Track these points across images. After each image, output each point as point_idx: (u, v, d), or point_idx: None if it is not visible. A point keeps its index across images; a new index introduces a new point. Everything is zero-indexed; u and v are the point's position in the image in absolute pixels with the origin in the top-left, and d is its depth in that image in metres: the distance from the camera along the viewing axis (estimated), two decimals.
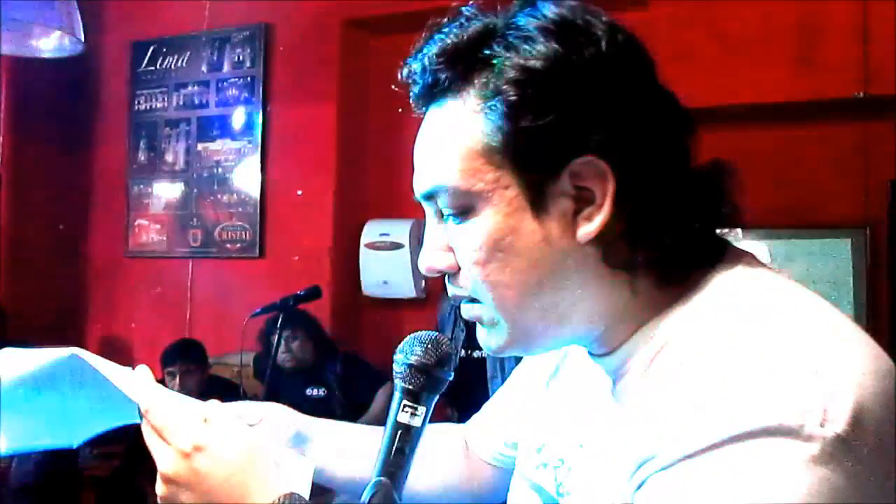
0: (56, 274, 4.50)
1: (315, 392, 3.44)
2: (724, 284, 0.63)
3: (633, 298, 0.64)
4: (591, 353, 0.70)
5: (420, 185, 0.68)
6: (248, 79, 4.16)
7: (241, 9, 4.17)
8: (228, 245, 4.20)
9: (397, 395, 0.70)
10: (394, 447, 0.68)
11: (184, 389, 3.43)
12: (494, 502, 0.96)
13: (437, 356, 0.70)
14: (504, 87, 0.60)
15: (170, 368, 3.40)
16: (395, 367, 0.71)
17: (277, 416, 0.89)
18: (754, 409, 0.52)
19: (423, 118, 0.71)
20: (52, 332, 4.29)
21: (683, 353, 0.60)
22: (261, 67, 4.12)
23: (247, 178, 4.18)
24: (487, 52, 0.61)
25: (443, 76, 0.64)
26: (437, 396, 0.71)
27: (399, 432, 0.68)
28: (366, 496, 0.67)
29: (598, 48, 0.60)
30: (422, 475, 0.94)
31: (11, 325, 3.96)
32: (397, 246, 3.91)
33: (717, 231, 0.67)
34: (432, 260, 0.68)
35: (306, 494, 0.69)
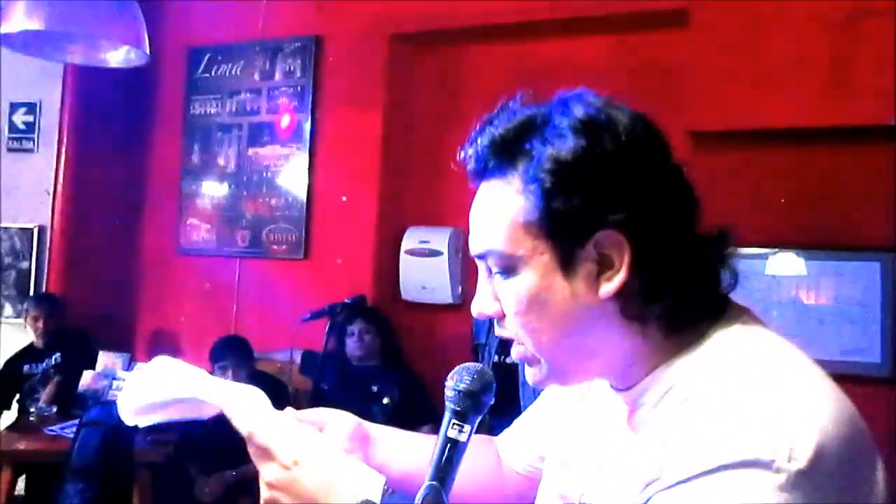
0: (110, 267, 4.73)
1: (374, 389, 3.51)
2: (722, 339, 0.77)
3: (645, 345, 0.78)
4: (612, 387, 0.85)
5: (474, 247, 0.83)
6: (298, 88, 4.34)
7: (293, 20, 4.36)
8: (275, 246, 4.39)
9: (448, 414, 0.84)
10: (444, 458, 0.83)
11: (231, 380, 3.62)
12: None
13: (481, 384, 0.84)
14: (540, 175, 0.75)
15: (221, 363, 3.59)
16: (447, 392, 0.86)
17: (341, 421, 1.04)
18: (736, 445, 0.65)
19: (474, 184, 0.85)
20: (105, 322, 4.54)
21: (685, 395, 0.74)
22: (311, 77, 4.30)
23: (294, 182, 4.36)
24: (527, 145, 0.77)
25: (491, 162, 0.80)
26: (481, 416, 0.86)
27: (448, 445, 0.83)
28: (419, 497, 0.82)
29: (618, 141, 0.75)
30: (458, 480, 1.10)
31: (68, 313, 4.21)
32: (436, 253, 4.06)
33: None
34: (482, 307, 0.83)
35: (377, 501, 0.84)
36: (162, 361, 1.02)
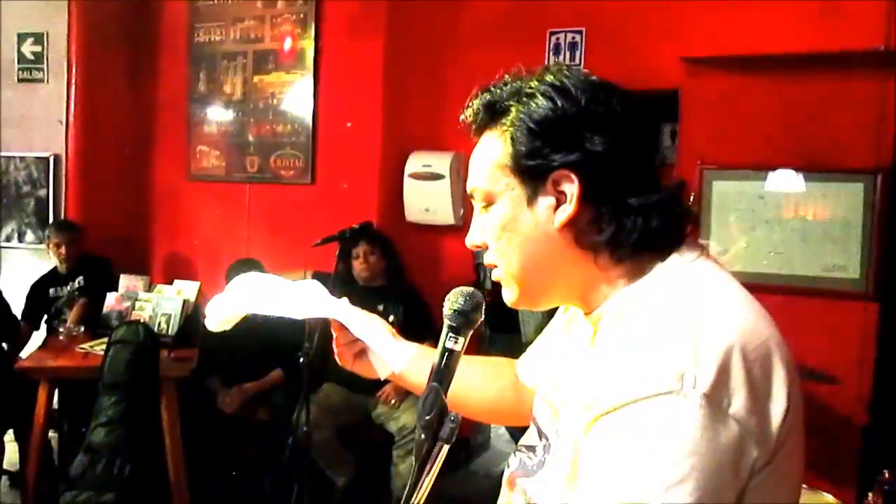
0: (125, 194, 4.90)
1: (380, 308, 3.68)
2: (662, 271, 0.93)
3: (598, 272, 0.96)
4: (583, 312, 1.02)
5: (468, 187, 1.02)
6: (302, 14, 4.41)
7: None
8: (283, 172, 4.54)
9: (445, 329, 1.02)
10: (442, 364, 1.01)
11: None
12: None
13: (472, 304, 1.02)
14: (514, 126, 0.94)
15: None
16: (445, 311, 1.03)
17: (378, 323, 1.29)
18: (648, 377, 0.80)
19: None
20: (123, 246, 4.74)
21: (624, 323, 0.91)
22: (313, 3, 4.35)
23: (299, 108, 4.47)
24: (509, 104, 0.96)
25: (483, 118, 0.99)
26: (472, 331, 1.04)
27: (446, 354, 1.01)
28: (423, 396, 1.01)
29: (577, 104, 0.92)
30: (482, 395, 1.33)
31: (87, 238, 4.39)
32: (439, 176, 4.21)
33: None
34: (472, 238, 1.03)
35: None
36: (246, 278, 1.28)
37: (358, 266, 3.76)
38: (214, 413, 3.79)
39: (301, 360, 2.70)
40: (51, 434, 3.82)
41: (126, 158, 4.89)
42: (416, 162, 4.27)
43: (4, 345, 4.04)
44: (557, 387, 1.07)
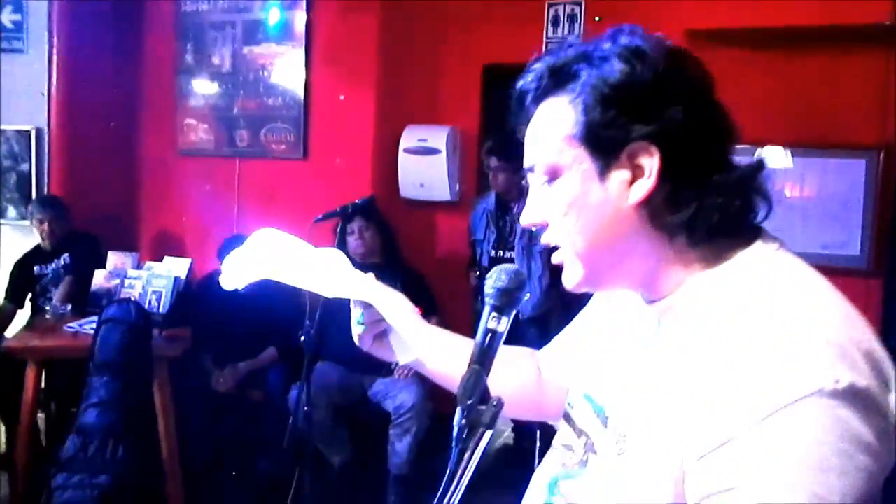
0: (111, 169, 4.76)
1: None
2: (748, 258, 0.85)
3: (672, 255, 0.87)
4: (644, 300, 0.94)
5: (526, 161, 0.93)
6: None
7: None
8: (273, 146, 4.44)
9: (487, 308, 0.96)
10: (484, 345, 0.95)
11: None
12: (556, 419, 1.13)
13: (517, 283, 0.95)
14: (585, 93, 0.85)
15: None
16: (486, 289, 0.97)
17: (405, 303, 1.22)
18: (788, 382, 0.72)
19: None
20: (110, 223, 4.63)
21: (719, 324, 0.80)
22: None
23: (291, 81, 4.36)
24: (577, 67, 0.86)
25: (545, 82, 0.89)
26: (515, 310, 0.98)
27: (489, 335, 0.95)
28: (464, 378, 0.95)
29: (655, 69, 0.84)
30: (498, 385, 1.23)
31: (72, 214, 4.27)
32: (434, 151, 4.13)
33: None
34: (530, 216, 0.94)
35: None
36: (267, 234, 1.20)
37: (353, 243, 3.69)
38: (208, 392, 3.72)
39: (302, 338, 2.63)
40: (38, 415, 3.74)
41: (111, 132, 4.75)
42: (412, 136, 4.19)
43: None
44: (606, 383, 0.98)
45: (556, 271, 0.98)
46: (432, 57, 4.27)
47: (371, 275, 1.21)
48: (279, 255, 1.19)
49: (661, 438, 0.81)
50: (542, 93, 0.90)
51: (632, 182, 0.85)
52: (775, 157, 3.71)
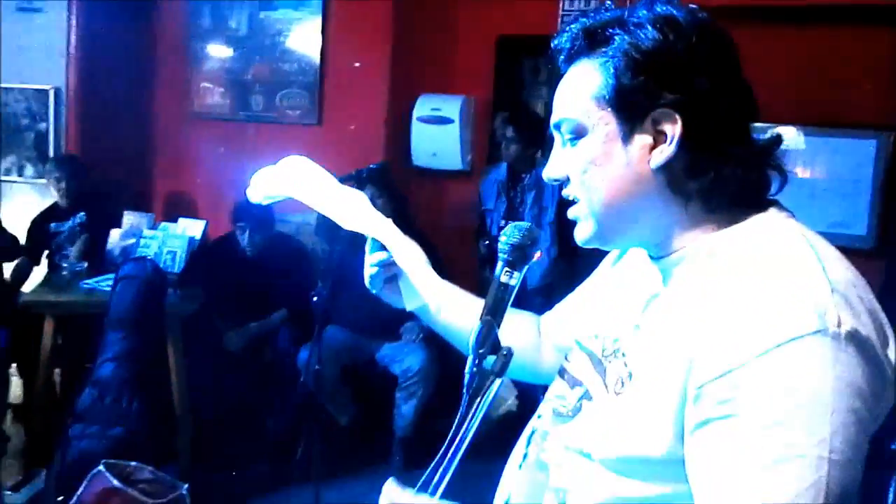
0: (126, 129, 4.81)
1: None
2: (759, 222, 0.89)
3: (686, 218, 0.91)
4: (651, 256, 0.98)
5: (554, 117, 0.96)
6: None
7: None
8: (288, 111, 4.47)
9: (501, 263, 1.01)
10: (497, 297, 1.00)
11: (252, 244, 3.83)
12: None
13: (530, 239, 1.00)
14: (617, 57, 0.88)
15: (241, 223, 3.79)
16: (500, 245, 1.02)
17: (419, 252, 1.24)
18: (792, 320, 0.76)
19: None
20: (123, 183, 4.69)
21: (728, 267, 0.84)
22: None
23: (306, 47, 4.39)
24: (611, 31, 0.89)
25: (579, 43, 0.92)
26: (527, 265, 1.03)
27: (501, 288, 1.00)
28: (477, 328, 1.00)
29: (686, 39, 0.87)
30: None
31: (88, 174, 4.34)
32: (447, 120, 4.16)
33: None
34: (552, 171, 0.97)
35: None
36: (299, 160, 1.25)
37: None
38: (219, 351, 3.80)
39: (315, 298, 2.70)
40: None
41: (128, 93, 4.79)
42: (425, 105, 4.22)
43: (7, 275, 4.02)
44: (608, 336, 1.01)
45: (565, 243, 1.02)
46: (448, 27, 4.29)
47: (390, 220, 1.23)
48: (307, 180, 1.22)
49: (663, 375, 0.86)
50: (576, 53, 0.93)
51: (653, 147, 0.89)
52: (787, 137, 3.73)
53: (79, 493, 2.86)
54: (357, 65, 4.31)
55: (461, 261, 4.11)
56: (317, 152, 4.38)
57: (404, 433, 3.66)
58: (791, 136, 3.72)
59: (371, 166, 2.73)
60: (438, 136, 4.19)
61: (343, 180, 2.84)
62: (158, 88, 4.89)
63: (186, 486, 2.95)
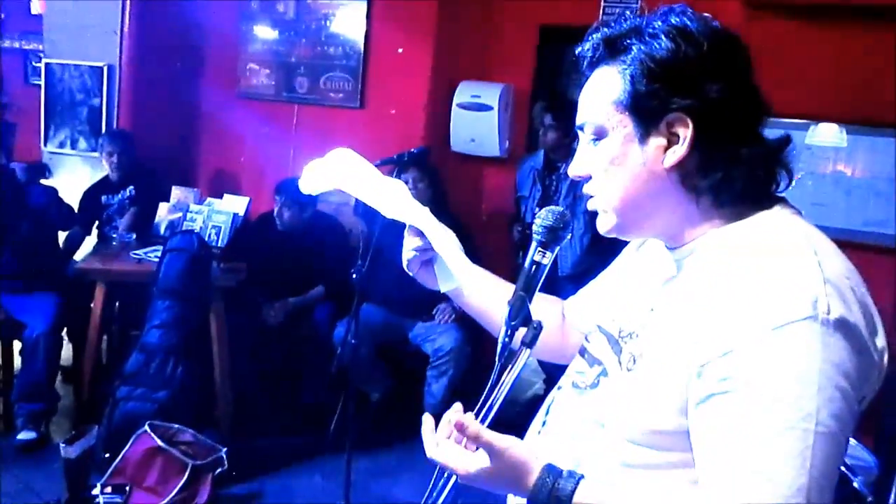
0: (175, 107, 4.97)
1: None
2: (764, 218, 0.98)
3: (697, 212, 1.00)
4: (667, 246, 1.07)
5: (578, 119, 1.06)
6: None
7: None
8: (332, 94, 4.58)
9: (534, 244, 1.09)
10: (530, 274, 1.09)
11: (292, 221, 3.95)
12: None
13: (562, 222, 1.08)
14: (634, 65, 0.97)
15: (283, 201, 3.92)
16: (535, 227, 1.11)
17: (453, 238, 1.31)
18: (786, 307, 0.84)
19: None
20: (171, 159, 4.85)
21: (733, 259, 0.92)
22: None
23: (351, 31, 4.48)
24: (630, 41, 0.98)
25: (600, 51, 1.02)
26: (559, 246, 1.11)
27: (534, 266, 1.09)
28: (510, 301, 1.09)
29: (699, 48, 0.95)
30: None
31: (139, 149, 4.50)
32: (487, 108, 4.23)
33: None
34: (576, 169, 1.06)
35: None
36: (344, 152, 1.33)
37: None
38: (259, 324, 3.94)
39: (354, 275, 2.80)
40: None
41: (177, 72, 4.94)
42: (465, 92, 4.29)
43: (60, 242, 4.20)
44: (625, 318, 1.10)
45: (597, 232, 1.11)
46: (490, 15, 4.35)
47: (427, 208, 1.32)
48: (352, 172, 1.31)
49: (671, 354, 0.95)
50: (597, 60, 1.02)
51: (667, 148, 0.97)
52: (829, 134, 3.74)
53: (124, 451, 3.04)
54: (400, 50, 4.39)
55: (497, 246, 4.19)
56: (358, 135, 4.53)
57: (434, 411, 3.71)
58: (833, 134, 3.73)
59: (412, 151, 2.81)
60: (477, 122, 4.26)
61: (384, 163, 2.96)
62: (207, 68, 5.02)
63: (225, 449, 3.11)
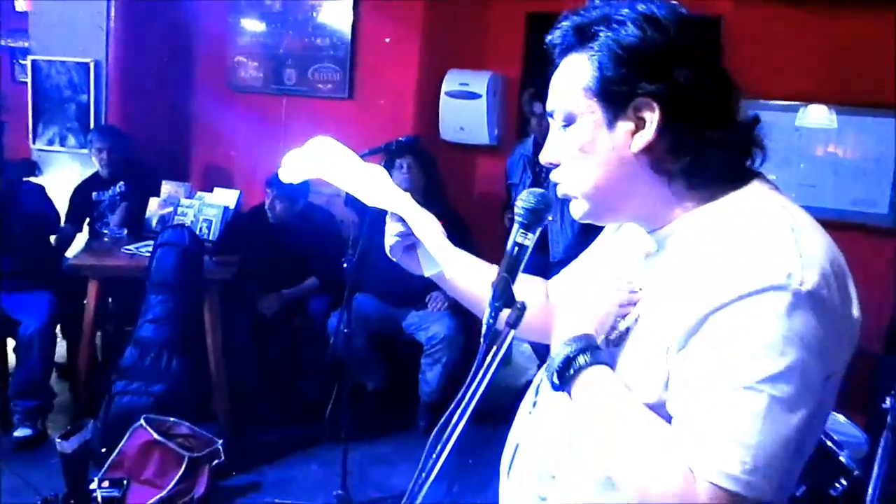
0: (164, 102, 4.96)
1: None
2: (739, 196, 0.99)
3: (670, 195, 1.01)
4: (646, 230, 1.08)
5: (548, 106, 1.06)
6: None
7: None
8: (320, 85, 4.58)
9: (517, 225, 1.11)
10: (513, 256, 1.11)
11: (284, 213, 3.96)
12: None
13: (543, 204, 1.09)
14: (601, 52, 0.98)
15: (274, 193, 3.92)
16: (517, 209, 1.12)
17: (435, 223, 1.30)
18: (756, 275, 0.86)
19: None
20: (161, 154, 4.84)
21: (708, 237, 0.94)
22: None
23: (338, 22, 4.48)
24: (598, 28, 0.99)
25: (570, 39, 1.03)
26: (541, 227, 1.12)
27: (517, 248, 1.10)
28: (493, 282, 1.10)
29: (666, 35, 0.96)
30: None
31: (129, 144, 4.49)
32: (475, 96, 4.24)
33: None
34: (548, 155, 1.08)
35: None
36: (324, 140, 1.31)
37: (399, 176, 3.83)
38: (253, 316, 3.95)
39: (345, 265, 2.82)
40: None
41: (165, 66, 4.93)
42: (454, 80, 4.30)
43: (52, 240, 4.20)
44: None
45: None
46: (477, 3, 4.35)
47: (408, 194, 1.32)
48: (332, 160, 1.30)
49: (652, 328, 0.97)
50: (567, 48, 1.03)
51: (635, 132, 0.98)
52: (819, 116, 3.75)
53: (121, 445, 3.05)
54: (387, 40, 4.39)
55: (489, 233, 4.21)
56: (347, 126, 4.55)
57: (430, 398, 3.79)
58: (823, 115, 3.74)
59: (399, 139, 2.82)
60: (466, 110, 4.27)
61: (372, 152, 2.96)
62: (195, 62, 5.02)
63: (221, 441, 3.12)
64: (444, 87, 4.30)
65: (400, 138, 2.86)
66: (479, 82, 4.23)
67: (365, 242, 2.89)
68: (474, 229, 4.10)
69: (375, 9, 4.41)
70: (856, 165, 3.73)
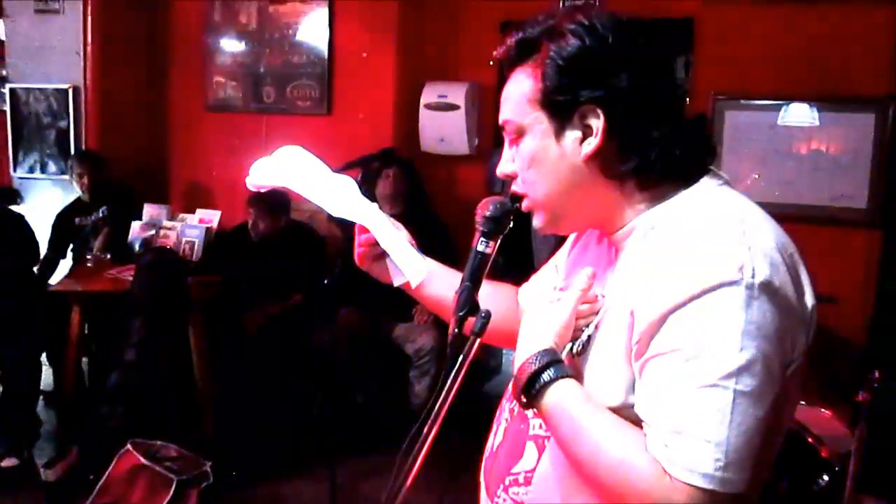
0: (143, 124, 4.97)
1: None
2: (689, 195, 1.00)
3: (624, 198, 1.02)
4: (606, 235, 1.09)
5: (500, 118, 1.09)
6: None
7: None
8: (299, 102, 4.59)
9: (478, 234, 1.12)
10: (475, 265, 1.12)
11: (268, 230, 3.96)
12: None
13: (502, 212, 1.11)
14: (544, 63, 1.00)
15: (257, 211, 3.92)
16: (477, 218, 1.13)
17: (401, 233, 1.35)
18: (709, 272, 0.88)
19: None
20: (142, 177, 4.83)
21: (664, 235, 0.96)
22: None
23: (315, 38, 4.50)
24: (541, 41, 1.01)
25: (517, 53, 1.05)
26: (501, 237, 1.13)
27: (479, 257, 1.12)
28: (457, 292, 1.11)
29: (604, 44, 0.98)
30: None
31: (109, 168, 4.48)
32: (454, 107, 4.26)
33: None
34: (503, 168, 1.10)
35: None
36: (293, 150, 1.34)
37: (385, 186, 3.82)
38: (238, 333, 3.94)
39: (326, 281, 2.82)
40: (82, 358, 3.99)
41: (143, 89, 4.93)
42: (432, 92, 4.32)
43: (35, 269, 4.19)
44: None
45: None
46: (452, 14, 4.38)
47: (375, 204, 1.33)
48: (300, 169, 1.33)
49: (612, 334, 0.98)
50: (513, 62, 1.05)
51: (583, 140, 1.00)
52: (800, 112, 3.78)
53: (108, 470, 3.03)
54: (364, 55, 4.41)
55: (471, 244, 4.21)
56: (328, 141, 4.56)
57: (419, 411, 3.77)
58: (804, 113, 3.77)
59: (374, 153, 2.83)
60: (445, 122, 4.28)
61: (349, 166, 2.96)
62: (174, 83, 5.02)
63: (210, 463, 3.11)
64: (423, 100, 4.32)
65: (375, 152, 2.87)
66: (457, 93, 4.24)
67: (348, 257, 2.89)
68: (456, 239, 4.11)
69: (351, 24, 4.43)
70: (834, 160, 3.75)
